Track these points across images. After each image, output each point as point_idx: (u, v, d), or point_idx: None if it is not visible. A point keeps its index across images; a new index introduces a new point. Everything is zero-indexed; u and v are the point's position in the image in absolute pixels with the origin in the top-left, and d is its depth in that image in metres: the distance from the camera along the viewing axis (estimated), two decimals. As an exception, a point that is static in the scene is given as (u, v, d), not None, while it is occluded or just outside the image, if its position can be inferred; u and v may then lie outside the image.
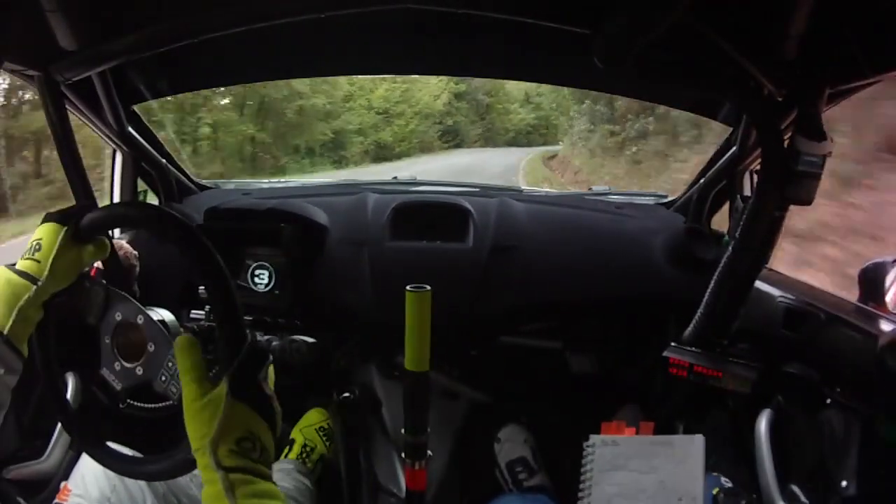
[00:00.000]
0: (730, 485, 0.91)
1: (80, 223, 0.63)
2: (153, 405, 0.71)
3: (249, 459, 0.52)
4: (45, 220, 0.63)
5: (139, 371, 0.66)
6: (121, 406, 0.70)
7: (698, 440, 0.74)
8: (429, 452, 0.87)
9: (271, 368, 0.60)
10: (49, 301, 0.63)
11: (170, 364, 0.65)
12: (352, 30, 1.13)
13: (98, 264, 1.00)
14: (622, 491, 0.72)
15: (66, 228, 0.62)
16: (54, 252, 0.61)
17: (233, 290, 0.60)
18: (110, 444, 0.77)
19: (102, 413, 0.71)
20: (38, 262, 0.61)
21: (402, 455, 0.87)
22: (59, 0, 0.73)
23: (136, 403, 0.71)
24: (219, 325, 0.61)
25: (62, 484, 0.85)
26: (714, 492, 0.89)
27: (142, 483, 0.85)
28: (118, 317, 0.68)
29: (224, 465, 0.51)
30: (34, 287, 0.60)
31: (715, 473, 0.93)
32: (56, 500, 0.83)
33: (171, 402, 0.67)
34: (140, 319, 0.67)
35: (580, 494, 0.73)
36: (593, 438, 0.76)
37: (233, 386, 0.54)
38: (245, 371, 0.56)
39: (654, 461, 0.73)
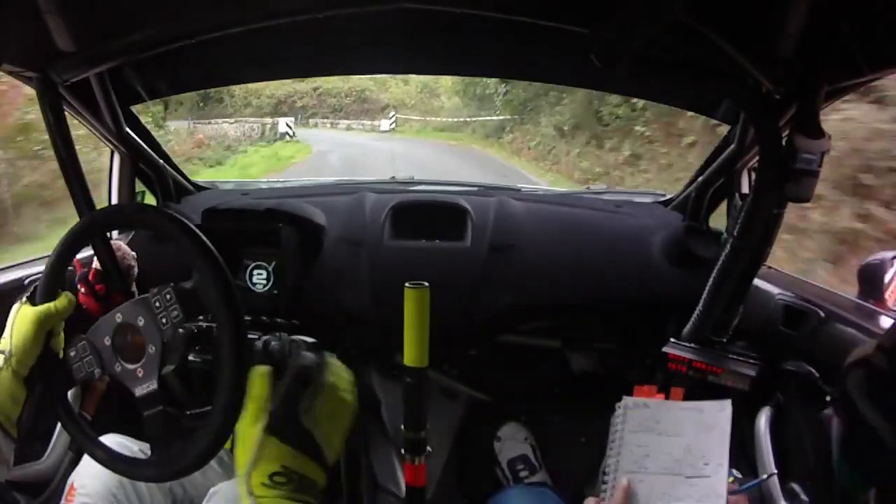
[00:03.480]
0: (740, 475, 0.92)
1: (31, 294, 0.69)
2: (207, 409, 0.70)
3: (283, 491, 0.55)
4: None
5: (151, 349, 0.66)
6: (183, 422, 0.68)
7: (727, 406, 0.73)
8: (428, 448, 0.87)
9: (331, 392, 0.62)
10: (30, 377, 0.67)
11: (157, 304, 0.65)
12: (350, 30, 1.13)
13: (96, 265, 1.00)
14: (650, 452, 0.72)
15: (19, 303, 0.69)
16: (11, 324, 0.67)
17: (233, 290, 0.60)
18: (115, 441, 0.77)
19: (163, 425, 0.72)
20: (3, 339, 0.68)
21: (402, 452, 0.87)
22: (56, 1, 0.73)
23: (195, 411, 0.69)
24: (219, 326, 0.61)
25: (69, 481, 0.85)
26: (729, 480, 0.90)
27: None
28: (107, 341, 0.68)
29: (255, 493, 0.55)
30: (2, 356, 0.65)
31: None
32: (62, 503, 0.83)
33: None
34: (119, 317, 0.67)
35: (609, 454, 0.73)
36: (626, 400, 0.76)
37: (270, 420, 0.57)
38: (285, 404, 0.58)
39: (682, 426, 0.73)
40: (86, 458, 0.86)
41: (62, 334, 0.72)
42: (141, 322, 0.66)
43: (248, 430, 0.57)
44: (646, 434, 0.73)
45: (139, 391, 0.65)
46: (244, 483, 0.55)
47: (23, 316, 0.67)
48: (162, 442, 0.65)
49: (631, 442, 0.73)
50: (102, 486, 0.82)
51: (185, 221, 0.63)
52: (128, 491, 0.84)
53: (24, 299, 0.69)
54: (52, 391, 0.69)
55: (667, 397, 0.77)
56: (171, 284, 0.64)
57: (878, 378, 0.63)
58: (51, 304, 0.68)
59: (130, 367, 0.66)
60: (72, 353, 0.69)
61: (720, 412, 0.73)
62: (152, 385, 0.65)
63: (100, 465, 0.70)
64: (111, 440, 0.83)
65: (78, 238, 0.72)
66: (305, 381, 0.61)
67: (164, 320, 0.65)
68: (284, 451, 0.57)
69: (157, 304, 0.65)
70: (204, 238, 0.61)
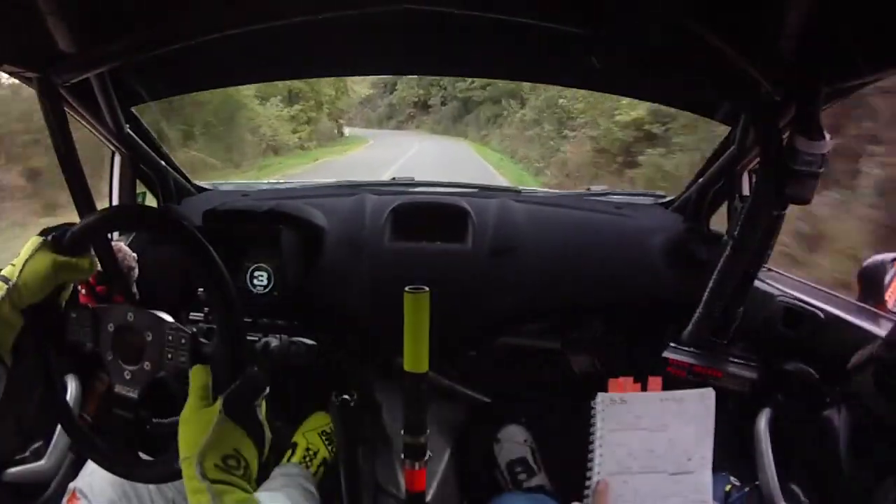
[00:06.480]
0: (738, 483, 0.92)
1: (60, 237, 0.65)
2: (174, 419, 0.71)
3: (232, 475, 0.56)
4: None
5: (147, 366, 0.66)
6: (147, 427, 0.71)
7: (709, 395, 0.71)
8: (428, 453, 0.87)
9: (264, 402, 0.63)
10: (27, 309, 0.64)
11: (170, 337, 0.66)
12: (350, 30, 1.13)
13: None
14: (632, 451, 0.70)
15: (42, 239, 0.65)
16: (26, 257, 0.64)
17: (232, 292, 0.60)
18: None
19: (126, 429, 0.72)
20: (13, 265, 0.64)
21: (402, 456, 0.87)
22: (57, 2, 0.73)
23: (160, 421, 0.71)
24: (218, 327, 0.61)
25: (70, 487, 0.84)
26: (727, 489, 0.90)
27: (151, 487, 0.85)
28: (110, 328, 0.68)
29: (209, 476, 0.55)
30: (6, 287, 0.63)
31: (724, 473, 0.93)
32: None
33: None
34: (130, 317, 0.67)
35: (589, 457, 0.71)
36: (601, 396, 0.72)
37: (227, 405, 0.58)
38: (241, 394, 0.59)
39: (663, 419, 0.71)
40: (89, 465, 0.86)
41: (70, 288, 0.70)
42: (149, 338, 0.67)
43: (198, 414, 0.58)
44: (626, 432, 0.71)
45: (119, 389, 0.67)
46: (195, 465, 0.55)
47: (42, 260, 0.64)
48: (116, 442, 0.67)
49: (612, 442, 0.71)
50: (105, 497, 0.81)
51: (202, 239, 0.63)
52: (130, 499, 0.83)
53: (51, 238, 0.65)
54: (41, 339, 0.67)
55: (644, 388, 0.73)
56: (193, 331, 0.66)
57: (888, 372, 0.63)
58: (74, 260, 0.65)
59: (122, 364, 0.67)
60: (73, 315, 0.69)
61: (702, 402, 0.71)
62: (133, 393, 0.67)
63: (103, 472, 0.70)
64: None
65: (123, 219, 0.73)
66: (260, 384, 0.62)
67: (169, 355, 0.66)
68: (240, 435, 0.58)
69: (171, 338, 0.66)
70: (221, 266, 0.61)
